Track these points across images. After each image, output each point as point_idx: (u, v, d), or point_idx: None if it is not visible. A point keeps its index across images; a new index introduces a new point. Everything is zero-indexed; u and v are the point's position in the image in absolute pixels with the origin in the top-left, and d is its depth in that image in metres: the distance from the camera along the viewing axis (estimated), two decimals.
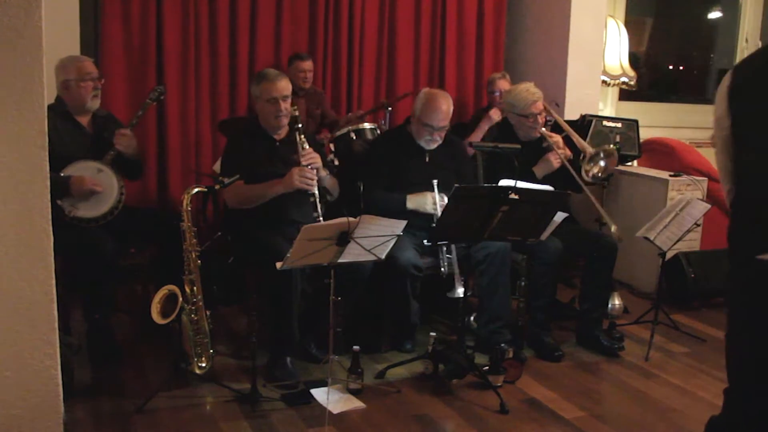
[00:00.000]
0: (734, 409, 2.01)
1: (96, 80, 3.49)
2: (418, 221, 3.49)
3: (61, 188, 3.26)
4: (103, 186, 3.36)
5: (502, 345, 3.38)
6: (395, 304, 3.54)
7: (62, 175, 3.28)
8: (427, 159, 3.73)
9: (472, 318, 3.83)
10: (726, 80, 1.90)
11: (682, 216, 3.73)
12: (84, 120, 3.51)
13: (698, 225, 3.88)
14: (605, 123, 4.79)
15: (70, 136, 3.42)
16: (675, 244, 3.78)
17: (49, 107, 3.35)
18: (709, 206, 3.76)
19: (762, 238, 1.84)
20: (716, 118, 1.94)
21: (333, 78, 5.14)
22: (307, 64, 4.77)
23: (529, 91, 3.81)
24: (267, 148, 3.49)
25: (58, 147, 3.33)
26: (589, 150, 3.81)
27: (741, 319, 1.97)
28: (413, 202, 3.59)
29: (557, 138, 3.82)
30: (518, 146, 3.59)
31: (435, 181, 3.54)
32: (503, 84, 4.78)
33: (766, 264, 1.82)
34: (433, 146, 3.70)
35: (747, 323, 1.94)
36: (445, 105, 3.62)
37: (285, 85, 3.44)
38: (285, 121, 3.45)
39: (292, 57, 4.81)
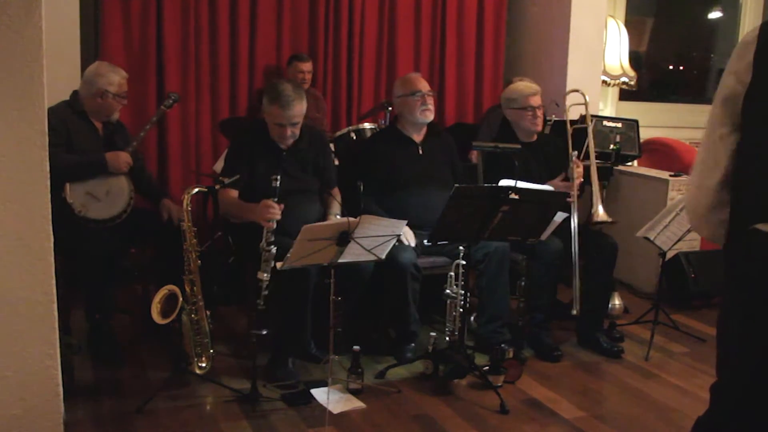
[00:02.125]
0: (722, 407, 1.94)
1: (125, 97, 3.56)
2: (418, 222, 3.49)
3: (99, 166, 3.37)
4: (115, 187, 3.43)
5: (502, 345, 3.38)
6: (395, 307, 3.50)
7: (97, 154, 3.39)
8: (420, 151, 3.75)
9: (472, 318, 3.82)
10: (752, 34, 1.77)
11: (682, 216, 3.72)
12: (97, 123, 3.54)
13: None
14: (605, 123, 4.79)
15: (84, 135, 3.44)
16: (675, 244, 3.78)
17: (65, 103, 3.42)
18: None
19: (764, 205, 1.68)
20: (734, 71, 1.79)
21: (333, 78, 5.14)
22: (307, 66, 4.76)
23: (526, 84, 3.85)
24: (272, 158, 3.41)
25: (75, 143, 3.37)
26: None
27: (735, 303, 1.81)
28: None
29: (581, 169, 3.74)
30: (518, 146, 3.59)
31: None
32: None
33: (763, 237, 1.67)
34: (431, 117, 3.71)
35: (741, 308, 1.78)
36: (419, 76, 3.76)
37: (297, 111, 3.30)
38: (291, 141, 3.39)
39: (292, 57, 4.80)
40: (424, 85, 3.72)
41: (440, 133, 3.90)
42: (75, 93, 3.50)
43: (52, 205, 2.40)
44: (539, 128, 3.86)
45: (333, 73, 5.13)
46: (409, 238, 3.49)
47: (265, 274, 2.97)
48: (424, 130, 3.79)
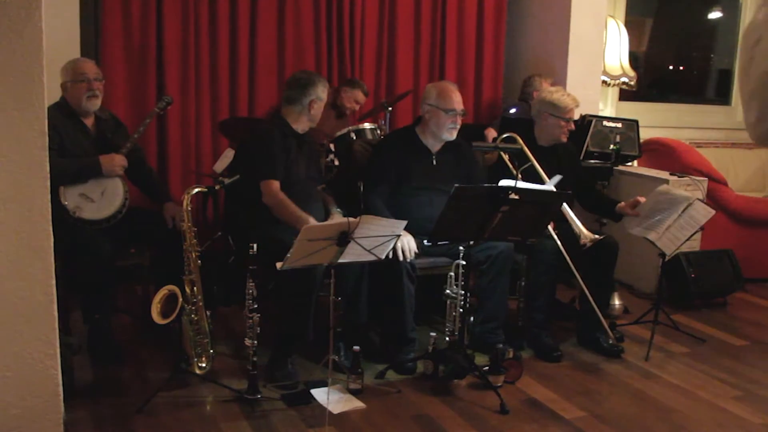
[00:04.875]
0: None
1: (91, 81, 3.46)
2: (417, 222, 3.47)
3: (93, 170, 3.37)
4: (110, 188, 3.42)
5: (502, 345, 3.37)
6: (390, 307, 3.44)
7: (91, 158, 3.39)
8: (434, 162, 3.70)
9: (472, 318, 3.82)
10: None
11: (683, 218, 3.70)
12: (88, 121, 3.52)
13: (702, 229, 3.85)
14: (605, 123, 4.79)
15: (74, 135, 3.43)
16: (679, 248, 3.74)
17: (54, 106, 3.41)
18: (713, 212, 3.66)
19: None
20: None
21: (334, 78, 5.13)
22: (363, 98, 4.81)
23: (570, 96, 3.88)
24: (297, 147, 3.51)
25: (67, 145, 3.37)
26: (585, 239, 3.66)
27: None
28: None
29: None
30: (518, 146, 3.59)
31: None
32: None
33: None
34: (454, 136, 3.65)
35: None
36: (457, 90, 3.69)
37: None
38: None
39: (354, 82, 4.78)
40: (459, 104, 3.61)
41: (460, 145, 3.78)
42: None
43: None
44: (565, 139, 3.91)
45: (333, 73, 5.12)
46: (405, 250, 3.36)
47: (253, 341, 3.02)
48: (443, 142, 3.72)
